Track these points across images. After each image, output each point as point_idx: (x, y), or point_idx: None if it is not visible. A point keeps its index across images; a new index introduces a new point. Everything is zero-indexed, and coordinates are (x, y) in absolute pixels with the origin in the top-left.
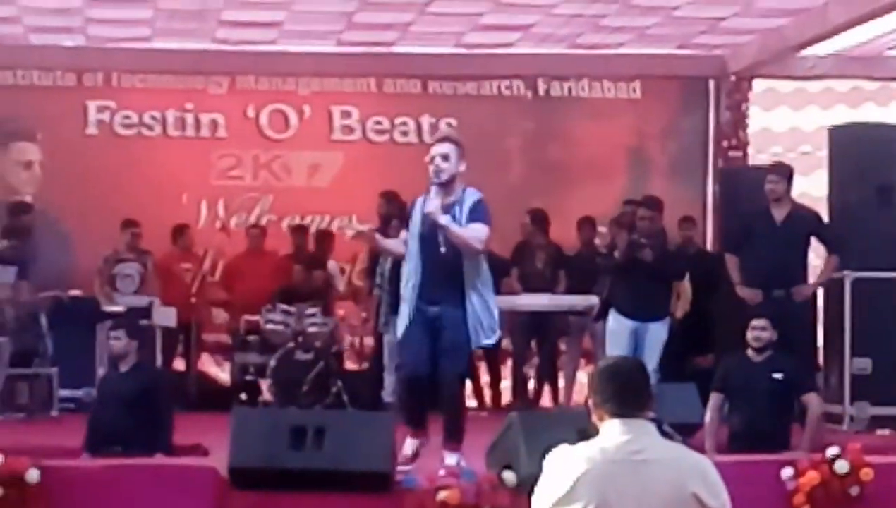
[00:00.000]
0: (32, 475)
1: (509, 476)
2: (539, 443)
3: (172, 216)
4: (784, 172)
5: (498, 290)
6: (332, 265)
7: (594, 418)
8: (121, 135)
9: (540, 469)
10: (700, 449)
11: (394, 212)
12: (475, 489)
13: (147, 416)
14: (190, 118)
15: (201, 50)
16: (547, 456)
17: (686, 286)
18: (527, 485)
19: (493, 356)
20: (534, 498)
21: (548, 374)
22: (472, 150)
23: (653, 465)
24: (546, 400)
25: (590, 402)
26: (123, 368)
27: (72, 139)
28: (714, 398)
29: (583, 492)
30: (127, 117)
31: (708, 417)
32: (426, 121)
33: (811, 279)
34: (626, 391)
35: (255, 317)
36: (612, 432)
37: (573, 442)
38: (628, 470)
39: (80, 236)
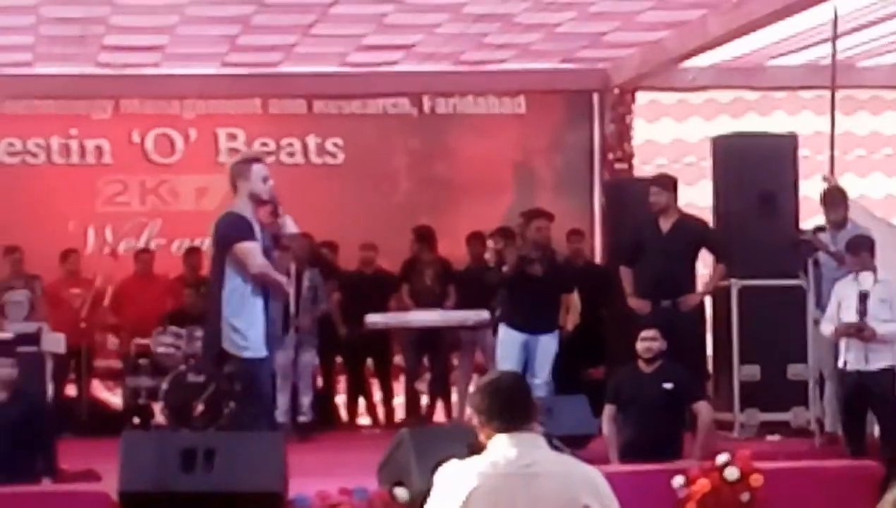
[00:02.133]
0: None
1: (401, 493)
2: (430, 459)
3: (59, 243)
4: (666, 184)
5: (388, 307)
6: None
7: (482, 436)
8: (4, 164)
9: (431, 485)
10: (593, 461)
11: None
12: (367, 506)
13: (30, 443)
14: (74, 144)
15: (84, 74)
16: (437, 472)
17: (575, 298)
18: (418, 501)
19: (385, 373)
20: None
21: (440, 390)
22: (358, 169)
23: (543, 478)
24: (440, 416)
25: (475, 421)
26: (1, 396)
27: None
28: (608, 409)
29: (475, 506)
30: (11, 145)
31: (606, 429)
32: (312, 141)
33: (700, 288)
34: (510, 406)
35: (146, 341)
36: (502, 446)
37: (464, 457)
38: (519, 484)
39: None
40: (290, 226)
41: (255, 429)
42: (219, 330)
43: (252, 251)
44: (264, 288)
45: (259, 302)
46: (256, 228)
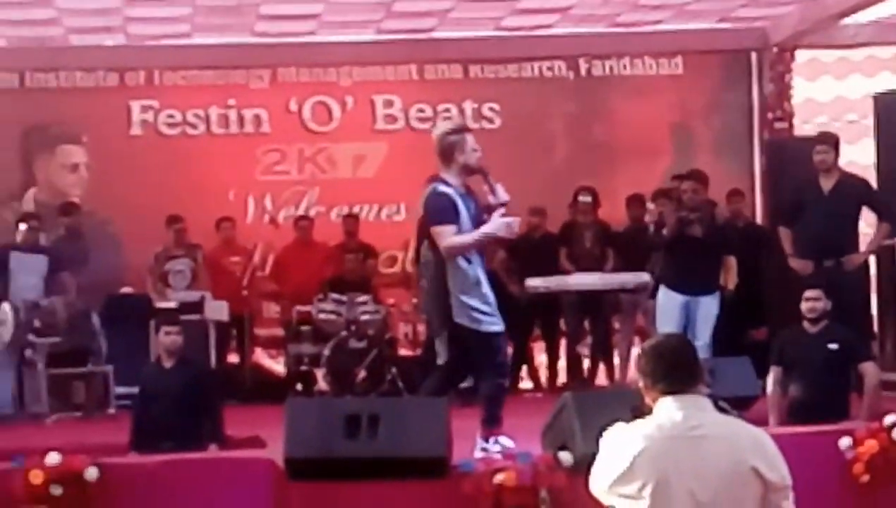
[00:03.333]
0: (91, 473)
1: (565, 457)
2: (594, 423)
3: (220, 212)
4: (832, 142)
5: (550, 270)
6: None
7: (648, 399)
8: (165, 135)
9: (595, 449)
10: (757, 422)
11: None
12: (532, 470)
13: (197, 410)
14: (233, 114)
15: (241, 44)
16: (603, 435)
17: (732, 259)
18: (583, 465)
19: (551, 336)
20: (592, 478)
21: (602, 353)
22: (515, 133)
23: (710, 440)
24: (601, 379)
25: (641, 384)
26: (168, 364)
27: (117, 140)
28: (774, 371)
29: (642, 470)
30: (171, 116)
31: (770, 391)
32: (469, 106)
33: (862, 248)
34: (675, 368)
35: (307, 308)
36: (668, 409)
37: (628, 421)
38: (686, 446)
39: (129, 236)
40: (502, 195)
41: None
42: (445, 303)
43: (442, 233)
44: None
45: (481, 276)
46: (460, 202)
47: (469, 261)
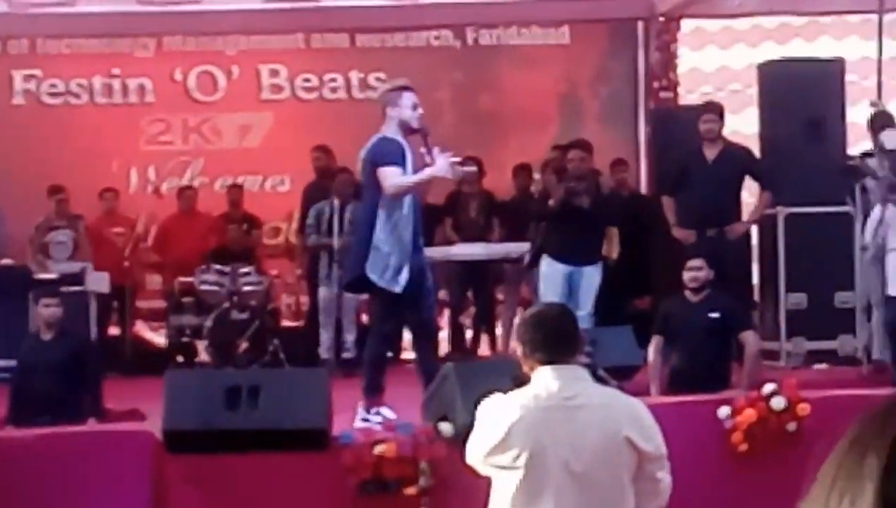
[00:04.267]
0: None
1: (446, 427)
2: (475, 393)
3: (103, 183)
4: (718, 111)
5: (432, 240)
6: None
7: (525, 368)
8: (48, 105)
9: (475, 419)
10: (639, 392)
11: (331, 165)
12: (412, 441)
13: (76, 383)
14: (117, 84)
15: (126, 12)
16: (480, 405)
17: (615, 229)
18: (463, 435)
19: None
20: (468, 448)
21: (485, 323)
22: None
23: (586, 410)
24: (484, 350)
25: (519, 352)
26: (47, 336)
27: None
28: (655, 340)
29: (517, 439)
30: (53, 86)
31: (651, 360)
32: (355, 76)
33: (745, 217)
34: (554, 338)
35: (190, 279)
36: (544, 379)
37: (508, 391)
38: (562, 416)
39: (10, 206)
40: (439, 156)
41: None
42: (363, 254)
43: (388, 174)
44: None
45: (406, 235)
46: (408, 152)
47: (399, 216)
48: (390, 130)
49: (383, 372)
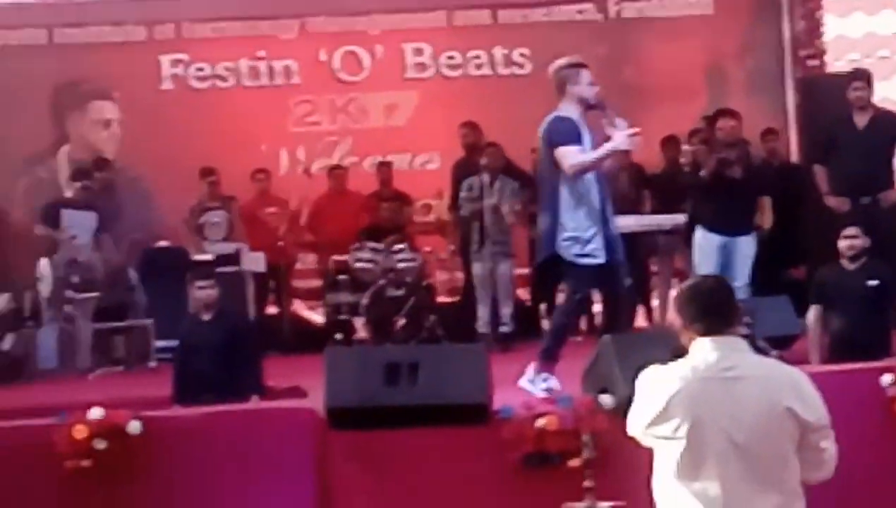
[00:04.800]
0: (134, 426)
1: (606, 400)
2: (633, 365)
3: (253, 165)
4: (867, 78)
5: None
6: None
7: (684, 339)
8: (195, 89)
9: (634, 391)
10: (798, 362)
11: (479, 140)
12: (573, 414)
13: (237, 362)
14: (263, 66)
15: None
16: (639, 377)
17: (767, 199)
18: (623, 407)
19: None
20: (629, 419)
21: (640, 295)
22: (546, 78)
23: (745, 381)
24: (640, 321)
25: (677, 324)
26: (206, 317)
27: (147, 95)
28: (814, 310)
29: (676, 410)
30: (200, 70)
31: (810, 330)
32: (499, 52)
33: None
34: (711, 309)
35: (344, 257)
36: (703, 350)
37: (667, 362)
38: (720, 388)
39: (163, 191)
40: (622, 126)
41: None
42: (552, 234)
43: (567, 154)
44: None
45: (594, 205)
46: (585, 130)
47: (584, 190)
48: (567, 108)
49: (564, 342)
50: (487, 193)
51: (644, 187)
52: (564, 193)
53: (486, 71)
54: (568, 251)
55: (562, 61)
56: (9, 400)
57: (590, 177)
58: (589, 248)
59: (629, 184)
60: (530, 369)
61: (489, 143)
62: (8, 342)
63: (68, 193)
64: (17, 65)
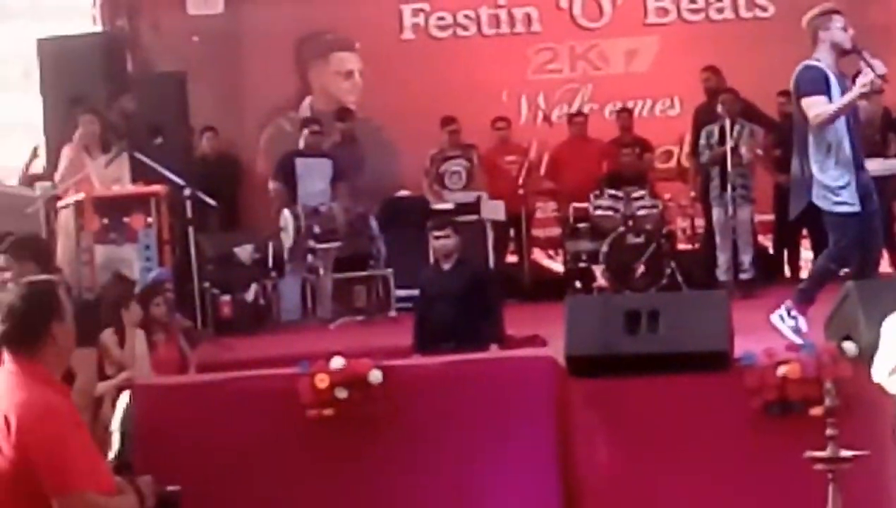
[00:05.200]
0: (375, 376)
1: (849, 347)
2: (878, 311)
3: (493, 113)
4: None
5: None
6: None
7: None
8: (436, 38)
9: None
10: None
11: (721, 85)
12: (815, 362)
13: (476, 310)
14: (503, 14)
15: None
16: (884, 323)
17: None
18: (867, 355)
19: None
20: (874, 365)
21: (887, 240)
22: (790, 22)
23: None
24: (885, 266)
25: None
26: (446, 266)
27: (389, 45)
28: None
29: None
30: (441, 18)
31: None
32: None
33: None
34: None
35: (584, 205)
36: None
37: None
38: None
39: (403, 140)
40: (880, 68)
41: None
42: (806, 183)
43: (812, 104)
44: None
45: (845, 153)
46: (833, 78)
47: (834, 139)
48: (820, 54)
49: (822, 286)
50: (727, 138)
51: (890, 130)
52: (814, 142)
53: (729, 14)
54: (824, 201)
55: (814, 10)
56: (253, 350)
57: (840, 124)
58: (843, 197)
59: (874, 127)
60: (783, 306)
61: (725, 89)
62: (252, 292)
63: (301, 143)
64: (262, 16)
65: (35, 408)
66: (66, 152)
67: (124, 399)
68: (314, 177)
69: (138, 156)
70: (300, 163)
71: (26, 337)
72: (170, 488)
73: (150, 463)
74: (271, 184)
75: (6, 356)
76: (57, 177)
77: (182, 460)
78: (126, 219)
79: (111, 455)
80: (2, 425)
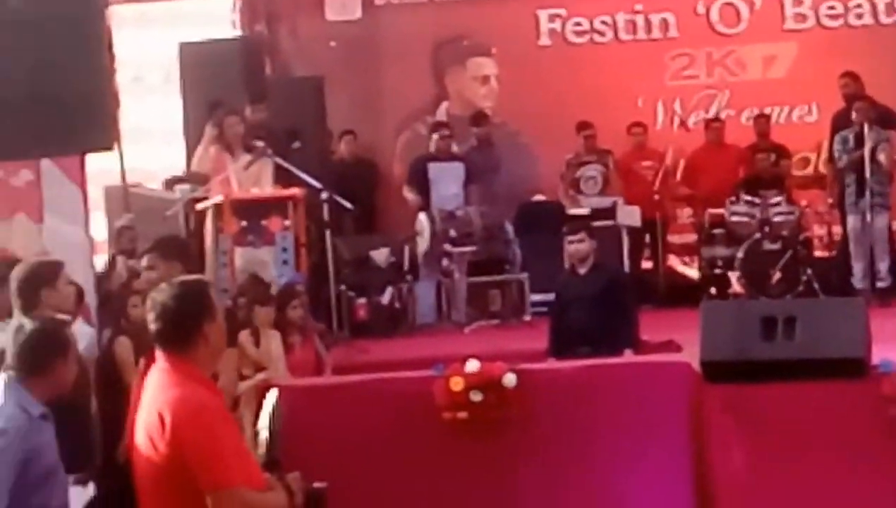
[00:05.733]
0: (510, 379)
1: None
2: None
3: (629, 119)
4: None
5: None
6: None
7: None
8: (573, 44)
9: None
10: None
11: (860, 91)
12: None
13: (611, 315)
14: (640, 20)
15: None
16: None
17: None
18: None
19: None
20: None
21: None
22: None
23: None
24: None
25: None
26: (582, 270)
27: (525, 51)
28: None
29: None
30: (578, 24)
31: None
32: (881, 0)
33: None
34: None
35: (720, 211)
36: None
37: None
38: None
39: (539, 145)
40: None
41: None
42: None
43: None
44: None
45: None
46: None
47: None
48: None
49: None
50: (864, 145)
51: None
52: None
53: (868, 20)
54: None
55: None
56: (388, 352)
57: None
58: None
59: None
60: None
61: (858, 96)
62: (387, 295)
63: (431, 147)
64: (400, 22)
65: (189, 406)
66: (200, 153)
67: (271, 398)
68: (447, 181)
69: (276, 159)
70: (433, 167)
71: (179, 336)
72: (316, 484)
73: (295, 461)
74: (406, 189)
75: (159, 354)
76: (194, 164)
77: (324, 458)
78: (264, 222)
79: (260, 452)
80: (156, 422)
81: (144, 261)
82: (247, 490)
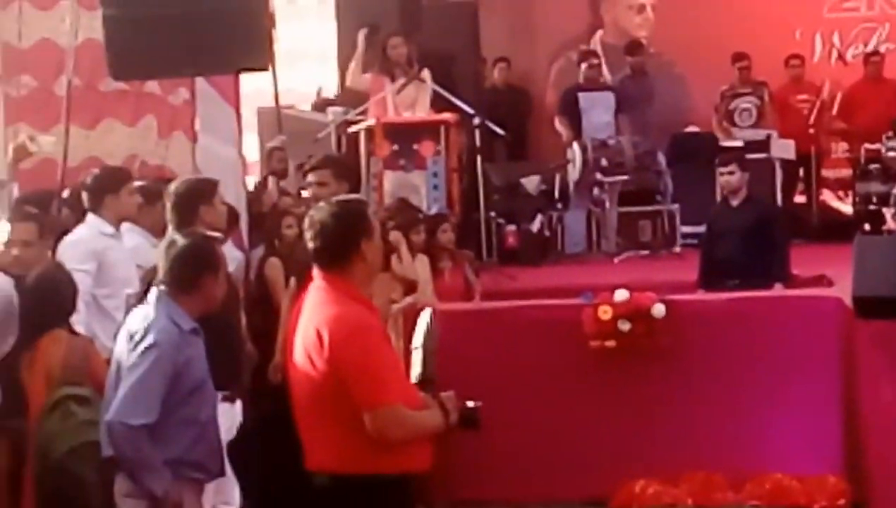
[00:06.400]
0: (658, 309)
1: None
2: None
3: (786, 51)
4: None
5: None
6: None
7: None
8: None
9: None
10: None
11: None
12: None
13: (762, 249)
14: None
15: None
16: None
17: None
18: None
19: None
20: None
21: None
22: None
23: None
24: None
25: None
26: (735, 202)
27: None
28: None
29: None
30: None
31: None
32: None
33: None
34: None
35: (876, 146)
36: None
37: None
38: None
39: (694, 76)
40: None
41: None
42: None
43: None
44: None
45: None
46: None
47: None
48: None
49: None
50: None
51: None
52: None
53: None
54: None
55: None
56: (537, 280)
57: None
58: None
59: None
60: None
61: None
62: (537, 223)
63: (580, 77)
64: None
65: (347, 323)
66: (353, 68)
67: (425, 317)
68: (598, 111)
69: (433, 85)
70: (583, 97)
71: (337, 254)
72: (470, 404)
73: (449, 381)
74: (557, 120)
75: (316, 273)
76: (348, 80)
77: (475, 380)
78: (416, 147)
79: (415, 371)
80: (314, 339)
81: (313, 177)
82: (403, 407)
